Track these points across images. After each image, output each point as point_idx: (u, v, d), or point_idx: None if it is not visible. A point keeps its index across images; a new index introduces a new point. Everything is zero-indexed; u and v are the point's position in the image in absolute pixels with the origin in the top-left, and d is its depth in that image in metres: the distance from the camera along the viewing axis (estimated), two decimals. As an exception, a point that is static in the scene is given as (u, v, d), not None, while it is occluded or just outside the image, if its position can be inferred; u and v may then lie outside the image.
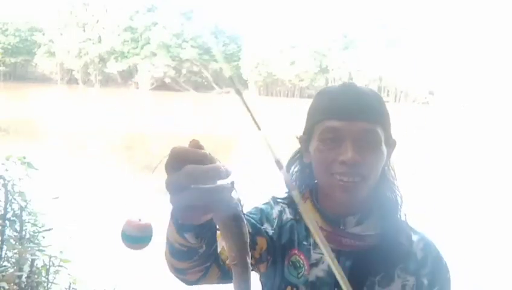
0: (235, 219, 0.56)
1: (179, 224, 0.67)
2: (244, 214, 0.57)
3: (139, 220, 0.57)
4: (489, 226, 6.58)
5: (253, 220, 0.98)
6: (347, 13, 59.58)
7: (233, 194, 0.56)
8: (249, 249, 0.60)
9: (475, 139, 19.66)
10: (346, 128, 0.87)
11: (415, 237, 0.96)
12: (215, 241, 0.77)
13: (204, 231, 0.70)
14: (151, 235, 0.57)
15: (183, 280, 0.86)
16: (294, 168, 1.03)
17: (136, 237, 0.56)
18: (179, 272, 0.82)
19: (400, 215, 0.96)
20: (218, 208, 0.55)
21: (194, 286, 0.88)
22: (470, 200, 8.15)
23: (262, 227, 0.99)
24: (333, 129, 0.88)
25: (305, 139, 0.97)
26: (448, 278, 0.96)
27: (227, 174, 0.53)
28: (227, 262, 0.60)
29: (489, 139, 19.61)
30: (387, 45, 53.97)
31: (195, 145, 0.56)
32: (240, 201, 0.57)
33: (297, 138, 1.01)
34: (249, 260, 0.59)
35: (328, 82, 54.85)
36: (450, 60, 54.13)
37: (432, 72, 53.38)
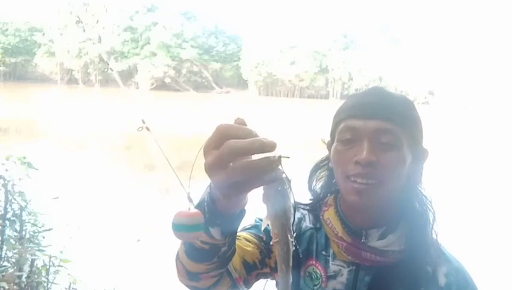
0: (280, 194, 0.54)
1: (207, 218, 0.64)
2: (291, 190, 0.56)
3: (189, 209, 0.58)
4: (489, 226, 6.57)
5: (269, 227, 0.97)
6: (347, 13, 59.57)
7: (280, 169, 0.54)
8: (291, 228, 0.58)
9: (475, 139, 19.66)
10: (364, 127, 0.84)
11: (441, 259, 0.89)
12: (235, 242, 0.75)
13: (232, 227, 0.67)
14: (203, 222, 0.58)
15: (194, 287, 0.82)
16: (320, 173, 1.00)
17: (191, 226, 0.57)
18: (192, 278, 0.78)
19: (431, 233, 0.89)
20: (264, 181, 0.53)
21: None
22: (469, 201, 8.14)
23: None
24: (351, 128, 0.86)
25: (330, 143, 0.94)
26: None
27: (272, 148, 0.51)
28: (271, 242, 0.59)
29: (489, 140, 19.60)
30: (387, 45, 53.95)
31: (241, 123, 0.54)
32: (287, 178, 0.55)
33: (324, 142, 0.98)
34: (290, 239, 0.57)
35: (328, 82, 54.88)
36: (450, 60, 54.13)
37: (432, 72, 53.35)
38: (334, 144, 0.90)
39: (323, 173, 1.00)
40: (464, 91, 52.66)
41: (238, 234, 0.93)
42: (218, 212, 0.63)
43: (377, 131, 0.84)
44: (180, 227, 0.57)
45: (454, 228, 5.95)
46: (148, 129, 0.59)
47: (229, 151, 0.50)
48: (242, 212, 0.66)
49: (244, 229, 0.97)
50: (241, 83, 58.21)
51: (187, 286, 0.82)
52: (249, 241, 0.92)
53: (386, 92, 0.90)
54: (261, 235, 0.94)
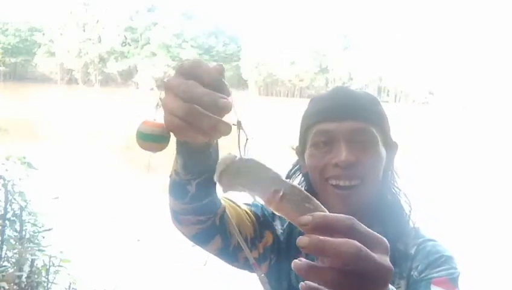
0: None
1: (178, 141, 0.64)
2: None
3: (154, 120, 0.55)
4: (489, 227, 6.57)
5: (266, 213, 0.97)
6: (347, 13, 59.58)
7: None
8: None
9: (475, 139, 19.66)
10: (338, 129, 0.85)
11: (417, 240, 0.89)
12: (208, 189, 0.75)
13: (194, 163, 0.67)
14: (170, 136, 0.55)
15: (182, 233, 0.84)
16: (293, 181, 0.99)
17: (156, 135, 0.54)
18: (175, 217, 0.80)
19: (406, 223, 0.90)
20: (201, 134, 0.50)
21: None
22: (469, 201, 8.14)
23: (273, 223, 0.96)
24: (325, 132, 0.86)
25: (301, 149, 0.94)
26: (437, 258, 0.85)
27: (224, 109, 0.48)
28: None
29: (489, 140, 19.61)
30: (387, 45, 53.98)
31: (219, 70, 0.51)
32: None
33: (293, 149, 0.98)
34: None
35: (328, 82, 54.86)
36: (450, 60, 54.12)
37: (432, 72, 53.37)
38: (309, 149, 0.89)
39: (297, 179, 1.00)
40: (464, 91, 52.67)
41: (241, 206, 0.92)
42: (180, 141, 0.63)
43: (353, 131, 0.85)
44: (145, 136, 0.54)
45: (453, 228, 5.95)
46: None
47: (184, 91, 0.48)
48: (205, 153, 0.65)
49: (246, 204, 0.97)
50: (241, 83, 58.21)
51: (177, 228, 0.83)
52: (249, 216, 0.92)
53: (351, 91, 0.91)
54: (259, 214, 0.94)
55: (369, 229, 0.42)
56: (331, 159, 0.84)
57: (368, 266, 0.40)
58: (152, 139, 0.54)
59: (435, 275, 0.83)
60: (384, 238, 0.43)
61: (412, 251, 0.88)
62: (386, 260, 0.41)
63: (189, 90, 0.48)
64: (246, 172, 0.49)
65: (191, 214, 0.78)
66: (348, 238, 0.40)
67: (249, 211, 0.93)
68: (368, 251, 0.39)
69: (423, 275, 0.84)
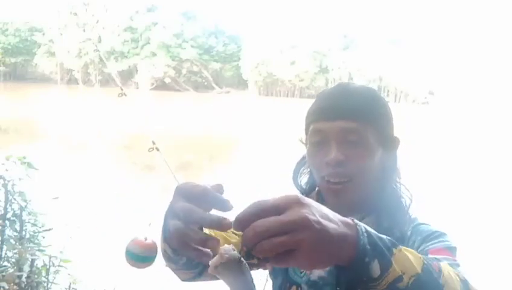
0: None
1: (163, 226, 0.68)
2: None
3: (145, 239, 0.59)
4: (490, 227, 6.58)
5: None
6: (347, 13, 59.58)
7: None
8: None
9: (475, 139, 19.66)
10: (330, 129, 0.88)
11: (413, 225, 0.92)
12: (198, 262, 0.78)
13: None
14: (156, 255, 0.60)
15: (177, 275, 0.87)
16: (303, 170, 1.04)
17: (142, 257, 0.58)
18: (171, 269, 0.83)
19: (404, 214, 0.93)
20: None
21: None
22: (470, 201, 8.15)
23: None
24: (318, 131, 0.90)
25: (305, 143, 0.99)
26: (430, 233, 0.88)
27: (225, 229, 0.55)
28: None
29: (489, 140, 19.60)
30: (387, 45, 53.95)
31: (218, 189, 0.58)
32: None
33: (302, 142, 1.02)
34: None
35: (328, 82, 54.83)
36: (450, 60, 54.12)
37: (432, 72, 53.35)
38: (307, 146, 0.94)
39: (306, 170, 1.04)
40: (464, 91, 52.64)
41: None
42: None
43: (342, 131, 0.88)
44: (132, 255, 0.60)
45: (453, 228, 5.96)
46: (158, 150, 0.61)
47: (184, 216, 0.56)
48: None
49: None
50: (241, 83, 58.21)
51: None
52: (236, 234, 0.93)
53: (350, 89, 0.92)
54: None
55: (273, 198, 0.52)
56: (324, 158, 0.88)
57: (283, 226, 0.50)
58: (138, 259, 0.60)
59: (430, 247, 0.85)
60: (289, 194, 0.53)
61: (408, 234, 0.91)
62: (296, 211, 0.51)
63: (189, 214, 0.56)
64: (237, 274, 0.57)
65: (186, 270, 0.82)
66: (267, 214, 0.51)
67: None
68: (279, 217, 0.50)
69: (419, 250, 0.86)
